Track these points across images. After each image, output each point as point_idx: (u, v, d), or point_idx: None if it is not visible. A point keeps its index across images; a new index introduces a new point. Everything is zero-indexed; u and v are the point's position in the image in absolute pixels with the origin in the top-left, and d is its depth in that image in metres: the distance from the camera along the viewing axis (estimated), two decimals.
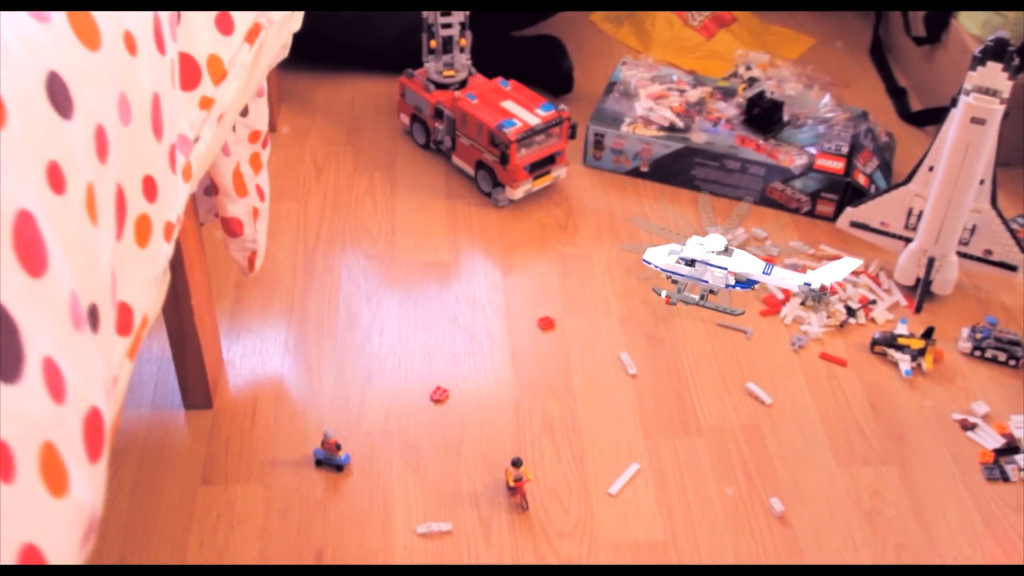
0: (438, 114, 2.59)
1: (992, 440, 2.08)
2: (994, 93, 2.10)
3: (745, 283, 2.07)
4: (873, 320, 2.31)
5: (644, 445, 2.04)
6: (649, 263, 2.10)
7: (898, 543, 1.90)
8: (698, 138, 2.57)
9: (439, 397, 2.10)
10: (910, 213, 2.33)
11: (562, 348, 2.22)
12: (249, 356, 2.17)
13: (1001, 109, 2.11)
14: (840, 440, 2.07)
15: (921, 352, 2.21)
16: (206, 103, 1.55)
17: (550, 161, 2.52)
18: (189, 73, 1.51)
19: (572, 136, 2.54)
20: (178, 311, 1.95)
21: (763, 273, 2.04)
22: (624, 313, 2.29)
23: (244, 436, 2.02)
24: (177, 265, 1.88)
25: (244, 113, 1.94)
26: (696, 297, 2.12)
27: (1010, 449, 2.06)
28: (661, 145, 2.57)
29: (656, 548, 1.87)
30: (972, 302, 2.37)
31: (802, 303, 2.28)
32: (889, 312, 2.33)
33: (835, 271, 2.04)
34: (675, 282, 2.11)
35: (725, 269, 2.04)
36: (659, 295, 2.09)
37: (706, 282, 2.08)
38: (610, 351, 2.22)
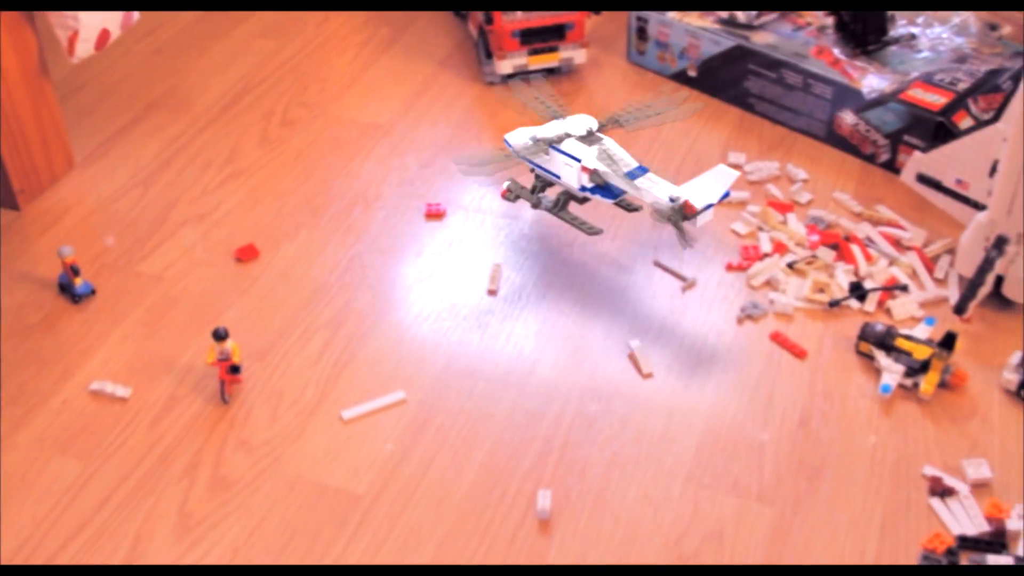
0: None
1: (966, 522, 1.26)
2: None
3: (605, 189, 1.45)
4: (888, 311, 1.53)
5: (435, 375, 1.45)
6: (510, 145, 1.53)
7: None
8: (761, 39, 1.87)
9: (243, 256, 1.65)
10: (994, 168, 1.51)
11: (432, 240, 1.67)
12: (99, 171, 1.82)
13: None
14: (715, 451, 1.35)
15: (924, 367, 1.41)
16: None
17: (557, 35, 1.95)
18: None
19: (594, 9, 1.95)
20: None
21: (627, 176, 1.41)
22: (539, 219, 1.69)
23: (23, 244, 1.68)
24: None
25: None
26: (552, 200, 1.52)
27: (987, 544, 1.24)
28: (710, 40, 1.89)
29: (339, 500, 1.30)
30: None
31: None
32: (919, 308, 1.53)
33: (710, 187, 1.37)
34: (535, 173, 1.53)
35: (577, 161, 1.44)
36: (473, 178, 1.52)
37: (558, 177, 1.49)
38: (486, 259, 1.63)
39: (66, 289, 1.58)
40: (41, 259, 1.65)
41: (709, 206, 1.39)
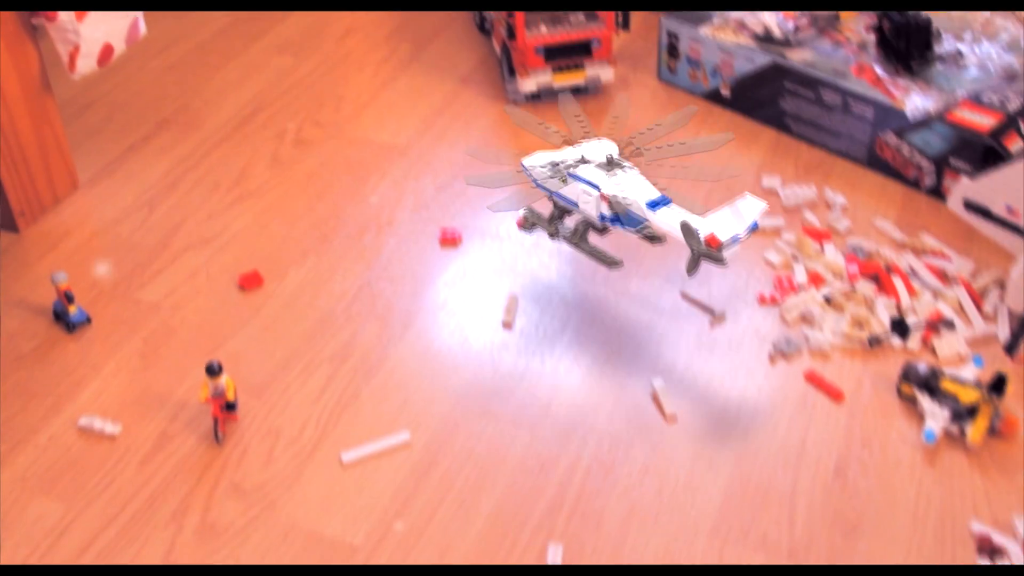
0: None
1: None
2: None
3: (627, 219, 1.35)
4: (932, 350, 1.42)
5: (443, 414, 1.36)
6: (526, 170, 1.45)
7: None
8: (798, 56, 1.76)
9: (247, 284, 1.57)
10: None
11: (446, 267, 1.58)
12: (104, 192, 1.75)
13: None
14: (743, 503, 1.25)
15: (972, 412, 1.30)
16: None
17: (583, 52, 1.85)
18: None
19: (622, 25, 1.85)
20: None
21: (648, 206, 1.31)
22: (560, 249, 1.59)
23: (20, 268, 1.61)
24: None
25: None
26: (570, 229, 1.43)
27: None
28: (744, 58, 1.79)
29: (334, 551, 1.20)
30: None
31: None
32: (966, 346, 1.42)
33: (736, 218, 1.27)
34: (553, 201, 1.44)
35: (597, 189, 1.35)
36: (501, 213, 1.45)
37: (576, 205, 1.39)
38: (502, 289, 1.54)
39: (60, 317, 1.51)
40: (38, 284, 1.58)
41: (736, 238, 1.29)
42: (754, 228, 1.30)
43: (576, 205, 1.41)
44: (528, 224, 1.47)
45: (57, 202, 1.73)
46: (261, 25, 2.17)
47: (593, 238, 1.50)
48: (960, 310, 1.46)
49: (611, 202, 1.36)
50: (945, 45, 1.72)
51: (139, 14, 1.69)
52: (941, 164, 1.62)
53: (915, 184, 1.67)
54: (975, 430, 1.29)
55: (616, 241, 1.54)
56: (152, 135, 1.88)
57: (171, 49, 2.10)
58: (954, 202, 1.54)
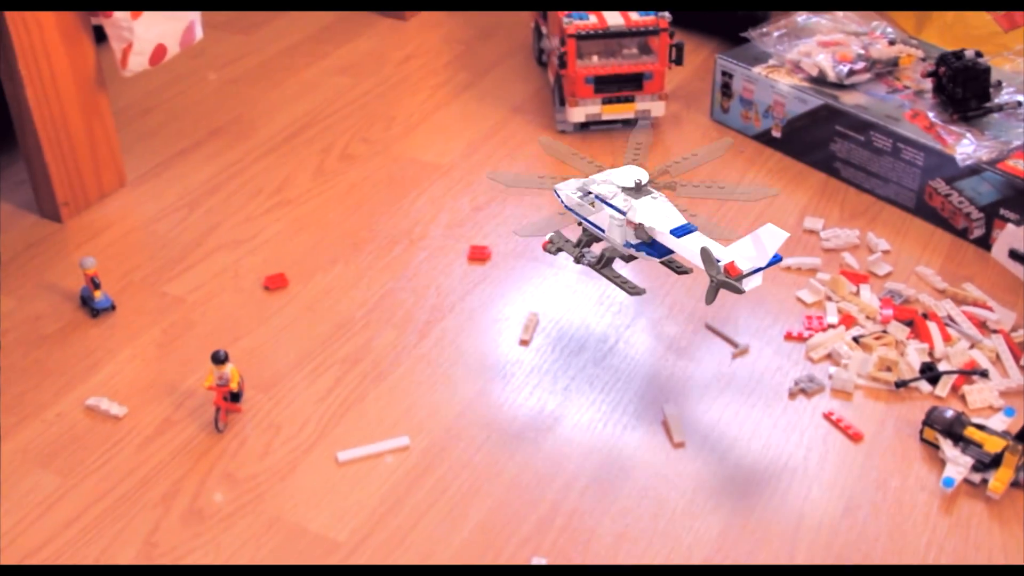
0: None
1: None
2: None
3: (651, 246, 1.31)
4: (962, 398, 1.35)
5: (447, 423, 1.33)
6: (558, 195, 1.42)
7: None
8: (851, 99, 1.72)
9: (272, 284, 1.57)
10: None
11: (471, 282, 1.56)
12: (148, 191, 1.78)
13: None
14: (743, 535, 1.19)
15: (996, 461, 1.23)
16: None
17: (635, 84, 1.84)
18: None
19: (675, 60, 1.83)
20: (19, 110, 1.63)
21: (671, 233, 1.27)
22: (588, 273, 1.57)
23: (56, 256, 1.63)
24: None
25: None
26: (596, 255, 1.39)
27: None
28: (796, 99, 1.76)
29: (316, 546, 1.18)
30: None
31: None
32: (999, 397, 1.34)
33: (758, 248, 1.22)
34: (582, 226, 1.40)
35: (622, 215, 1.31)
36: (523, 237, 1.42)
37: (603, 231, 1.36)
38: (524, 307, 1.52)
39: (86, 302, 1.53)
40: (70, 272, 1.60)
41: (757, 270, 1.24)
42: (776, 260, 1.26)
43: (603, 231, 1.39)
44: (553, 247, 1.44)
45: (102, 197, 1.76)
46: (325, 48, 2.20)
47: (619, 266, 1.47)
48: (997, 361, 1.40)
49: (636, 228, 1.33)
50: (1003, 95, 1.67)
51: (196, 18, 1.74)
52: (991, 214, 1.56)
53: (963, 234, 1.61)
54: (998, 480, 1.22)
55: (643, 270, 1.52)
56: (203, 141, 1.91)
57: (235, 64, 2.14)
58: (999, 251, 1.48)
